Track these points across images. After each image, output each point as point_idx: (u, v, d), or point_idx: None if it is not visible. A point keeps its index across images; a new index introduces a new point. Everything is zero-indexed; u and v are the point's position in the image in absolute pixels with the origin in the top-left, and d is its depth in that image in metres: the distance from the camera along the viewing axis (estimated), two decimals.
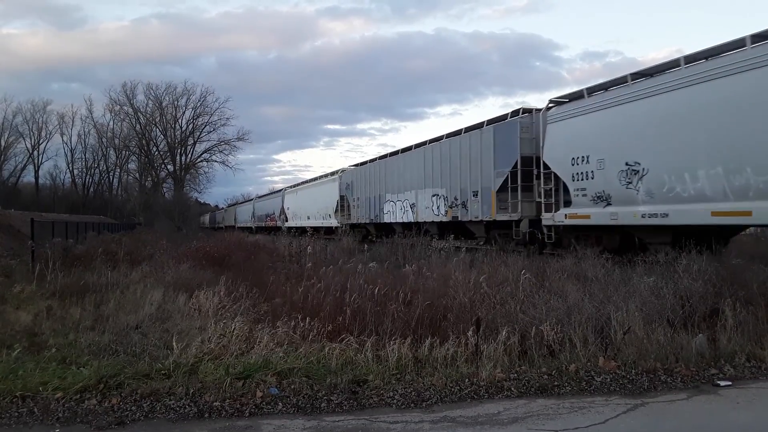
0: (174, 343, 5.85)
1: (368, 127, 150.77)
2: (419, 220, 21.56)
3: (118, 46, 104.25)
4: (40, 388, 4.86)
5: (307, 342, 5.97)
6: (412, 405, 4.75)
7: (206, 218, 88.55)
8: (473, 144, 17.85)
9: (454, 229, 19.36)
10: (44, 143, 71.81)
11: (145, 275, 11.56)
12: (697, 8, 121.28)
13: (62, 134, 72.60)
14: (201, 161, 69.24)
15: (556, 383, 5.17)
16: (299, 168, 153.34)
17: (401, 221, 23.33)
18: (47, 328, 7.32)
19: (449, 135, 20.43)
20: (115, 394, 4.81)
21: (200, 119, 67.65)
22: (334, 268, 9.70)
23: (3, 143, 67.90)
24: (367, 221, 27.40)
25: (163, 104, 66.91)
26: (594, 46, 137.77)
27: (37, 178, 72.35)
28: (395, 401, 4.80)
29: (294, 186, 46.48)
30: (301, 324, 6.37)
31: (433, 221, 20.72)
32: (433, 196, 20.55)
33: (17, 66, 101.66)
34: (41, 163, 72.49)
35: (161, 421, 4.41)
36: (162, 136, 67.84)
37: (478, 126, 18.24)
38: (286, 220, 44.03)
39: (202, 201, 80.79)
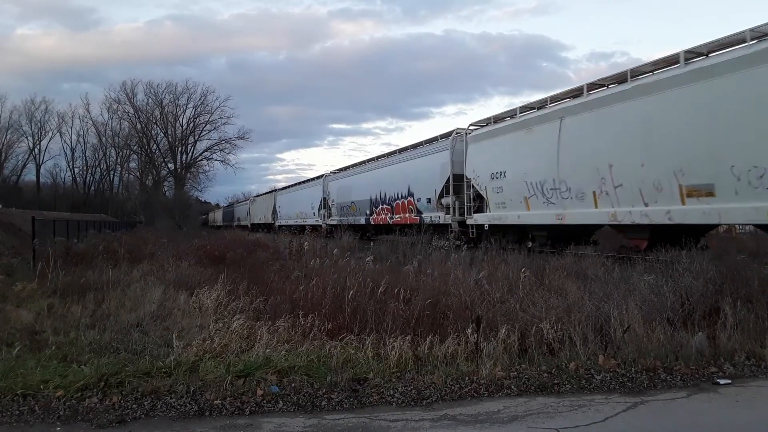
0: (175, 342, 5.86)
1: (373, 126, 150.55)
2: None
3: (131, 47, 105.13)
4: (41, 387, 4.87)
5: (308, 340, 5.97)
6: (413, 403, 4.75)
7: (216, 215, 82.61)
8: None
9: None
10: (45, 141, 72.00)
11: (145, 273, 11.57)
12: (701, 9, 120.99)
13: (62, 133, 72.78)
14: (202, 160, 69.36)
15: (555, 381, 5.17)
16: (302, 167, 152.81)
17: None
18: (48, 326, 7.33)
19: None
20: (115, 392, 4.82)
21: (201, 118, 67.85)
22: (336, 266, 9.71)
23: (4, 142, 68.06)
24: None
25: (164, 103, 67.08)
26: (601, 47, 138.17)
27: (38, 176, 72.56)
28: (395, 399, 4.81)
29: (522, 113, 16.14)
30: (302, 322, 6.38)
31: None
32: None
33: (29, 66, 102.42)
34: (42, 162, 72.68)
35: (162, 420, 4.41)
36: (162, 134, 68.00)
37: None
38: (482, 207, 17.55)
39: (203, 199, 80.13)
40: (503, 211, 16.35)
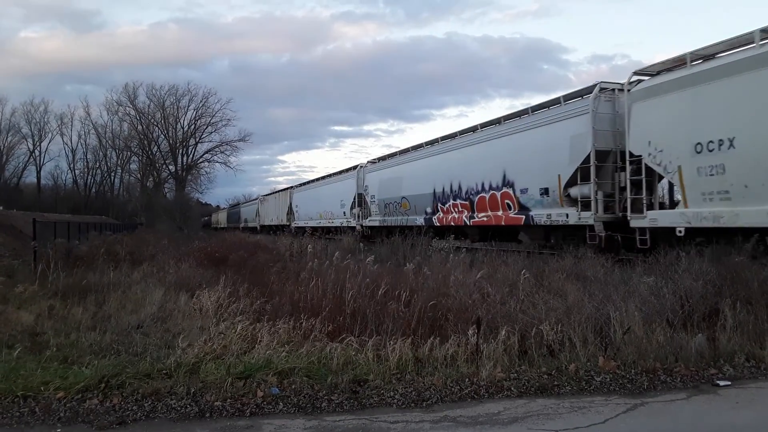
0: (175, 343, 5.87)
1: (375, 128, 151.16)
2: None
3: (135, 49, 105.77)
4: (42, 388, 4.88)
5: (308, 341, 5.98)
6: (413, 405, 4.76)
7: (220, 216, 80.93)
8: None
9: None
10: (45, 143, 72.13)
11: (146, 275, 11.59)
12: (701, 10, 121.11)
13: (62, 134, 72.92)
14: (203, 162, 69.43)
15: (555, 383, 5.18)
16: (303, 169, 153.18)
17: None
18: (49, 327, 7.34)
19: None
20: (116, 393, 4.82)
21: (202, 120, 67.95)
22: (336, 267, 9.70)
23: (5, 144, 68.18)
24: None
25: (165, 105, 67.21)
26: (602, 50, 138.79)
27: (38, 178, 72.72)
28: (396, 401, 4.82)
29: None
30: (302, 323, 6.39)
31: None
32: None
33: (32, 69, 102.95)
34: (42, 164, 72.81)
35: (162, 421, 4.42)
36: (163, 136, 68.12)
37: None
38: (651, 200, 12.44)
39: (203, 201, 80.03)
40: (724, 205, 10.64)
